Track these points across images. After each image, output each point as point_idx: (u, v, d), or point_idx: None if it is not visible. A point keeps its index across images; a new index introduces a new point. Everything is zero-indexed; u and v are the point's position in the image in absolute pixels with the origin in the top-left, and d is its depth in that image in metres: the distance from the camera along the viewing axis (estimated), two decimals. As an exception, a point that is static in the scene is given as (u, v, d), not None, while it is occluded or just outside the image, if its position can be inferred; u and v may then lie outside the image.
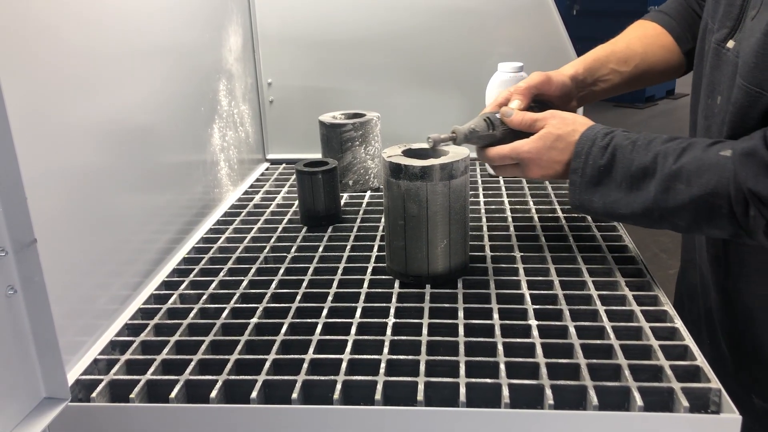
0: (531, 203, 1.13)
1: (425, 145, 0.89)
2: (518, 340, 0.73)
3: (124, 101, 0.87)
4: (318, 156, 1.22)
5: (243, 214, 1.14)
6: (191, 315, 0.81)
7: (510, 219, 1.06)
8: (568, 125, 0.83)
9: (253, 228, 1.07)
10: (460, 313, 0.79)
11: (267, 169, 1.40)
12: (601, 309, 0.78)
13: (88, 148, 0.78)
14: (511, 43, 1.33)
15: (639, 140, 0.77)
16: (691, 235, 0.94)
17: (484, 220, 1.06)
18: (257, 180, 1.33)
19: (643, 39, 1.00)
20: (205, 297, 0.86)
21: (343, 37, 1.37)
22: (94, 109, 0.80)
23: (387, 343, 0.73)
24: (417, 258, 0.85)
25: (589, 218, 1.05)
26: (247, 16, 1.33)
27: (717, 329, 0.89)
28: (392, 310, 0.80)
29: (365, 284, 0.87)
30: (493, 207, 1.12)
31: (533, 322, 0.76)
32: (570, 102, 0.97)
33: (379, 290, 0.85)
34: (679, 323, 0.76)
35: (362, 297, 0.83)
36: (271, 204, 1.18)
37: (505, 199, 1.15)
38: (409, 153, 0.87)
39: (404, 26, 1.35)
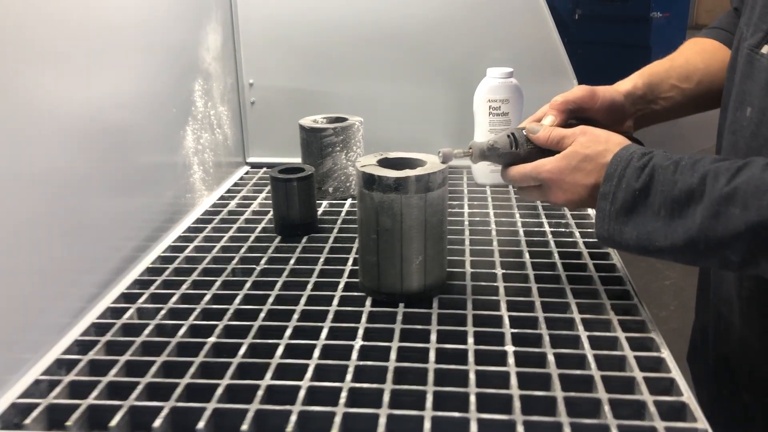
0: (517, 215, 1.08)
1: (403, 154, 0.84)
2: (492, 368, 0.68)
3: (89, 100, 0.82)
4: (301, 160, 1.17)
5: (216, 221, 1.09)
6: (146, 332, 0.76)
7: (494, 233, 1.01)
8: (600, 144, 0.73)
9: (224, 236, 1.02)
10: (433, 336, 0.73)
11: (246, 173, 1.35)
12: (584, 335, 0.73)
13: (46, 148, 0.73)
14: (502, 48, 1.28)
15: (683, 160, 0.66)
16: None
17: (467, 233, 1.01)
18: (235, 184, 1.28)
19: (702, 54, 0.88)
20: (164, 312, 0.80)
21: (329, 38, 1.32)
22: (57, 108, 0.75)
23: (351, 369, 0.68)
24: (390, 275, 0.80)
25: (576, 234, 1.00)
26: (228, 14, 1.28)
27: (739, 379, 0.81)
28: (360, 332, 0.75)
29: (335, 301, 0.82)
30: (478, 219, 1.06)
31: (510, 348, 0.71)
32: (623, 122, 0.85)
33: (350, 308, 0.80)
34: (666, 353, 0.70)
35: (330, 316, 0.78)
36: (246, 211, 1.13)
37: (491, 211, 1.10)
38: (384, 162, 0.82)
39: (392, 29, 1.30)
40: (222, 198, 1.20)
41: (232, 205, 1.16)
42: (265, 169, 1.35)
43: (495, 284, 0.85)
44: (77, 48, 0.80)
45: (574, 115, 0.82)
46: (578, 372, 0.67)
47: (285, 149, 1.35)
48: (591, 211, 1.01)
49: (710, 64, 0.86)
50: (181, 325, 0.77)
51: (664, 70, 0.87)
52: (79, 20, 0.80)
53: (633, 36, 4.69)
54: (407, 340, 0.74)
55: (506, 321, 0.76)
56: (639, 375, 0.66)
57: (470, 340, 0.73)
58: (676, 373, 0.67)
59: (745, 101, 0.72)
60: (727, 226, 0.61)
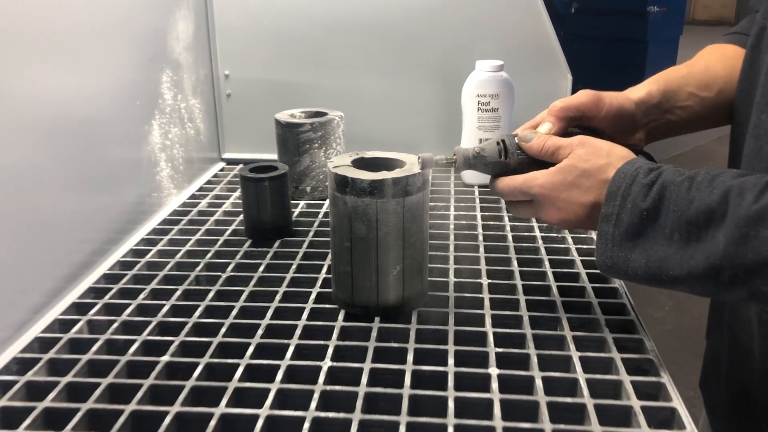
0: (506, 219, 1.01)
1: (381, 154, 0.77)
2: (474, 394, 0.61)
3: (44, 91, 0.75)
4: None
5: (183, 222, 1.02)
6: (94, 349, 0.69)
7: (481, 238, 0.94)
8: (600, 157, 0.65)
9: (190, 240, 0.95)
10: (410, 357, 0.67)
11: (221, 170, 1.28)
12: (575, 355, 0.67)
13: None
14: (492, 40, 1.21)
15: (699, 175, 0.58)
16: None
17: (451, 237, 0.94)
18: (208, 182, 1.20)
19: (723, 61, 0.78)
20: (116, 325, 0.73)
21: (310, 27, 1.24)
22: (8, 100, 0.68)
23: (317, 396, 0.61)
24: (365, 287, 0.73)
25: (569, 240, 0.93)
26: (201, 2, 1.20)
27: (759, 412, 0.73)
28: (330, 351, 0.68)
29: (305, 315, 0.75)
30: (464, 223, 0.99)
31: (494, 371, 0.64)
32: (633, 134, 0.76)
33: (320, 323, 0.73)
34: (666, 377, 0.64)
35: (298, 332, 0.71)
36: (216, 211, 1.05)
37: (478, 214, 1.03)
38: (360, 163, 0.75)
39: (377, 18, 1.23)
40: (192, 197, 1.13)
41: (203, 204, 1.09)
42: (240, 166, 1.27)
43: (480, 295, 0.78)
44: (30, 35, 0.72)
45: (576, 124, 0.72)
46: (569, 400, 0.61)
47: (263, 145, 1.27)
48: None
49: (732, 72, 0.76)
50: (133, 341, 0.70)
51: (681, 76, 0.78)
52: (33, 5, 0.73)
53: (629, 30, 4.62)
54: (382, 359, 0.67)
55: (491, 338, 0.70)
56: (636, 404, 0.60)
57: (450, 361, 0.66)
58: (677, 401, 0.61)
59: None
60: (758, 251, 0.52)
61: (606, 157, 0.65)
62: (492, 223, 0.99)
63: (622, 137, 0.73)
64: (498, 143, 0.71)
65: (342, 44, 1.24)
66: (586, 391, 0.61)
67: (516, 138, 0.71)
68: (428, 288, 0.78)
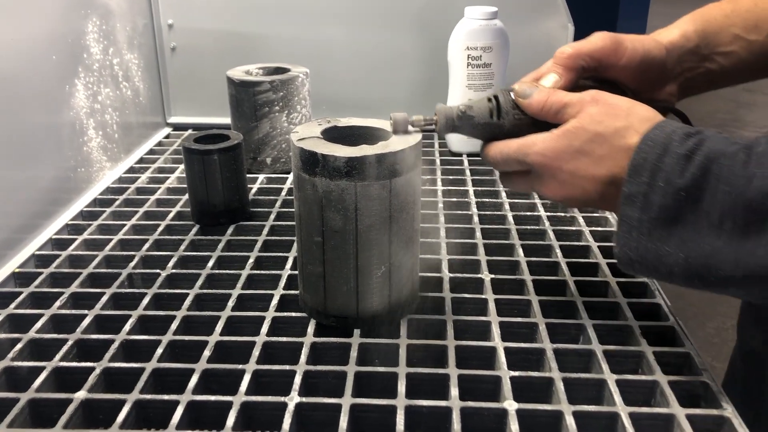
0: (503, 195, 0.86)
1: (359, 121, 0.60)
2: (488, 441, 0.47)
3: None
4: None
5: (117, 203, 0.84)
6: (-14, 382, 0.52)
7: (476, 219, 0.79)
8: (618, 118, 0.51)
9: (125, 226, 0.78)
10: (401, 387, 0.51)
11: (167, 137, 1.10)
12: (610, 379, 0.52)
13: None
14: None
15: (760, 145, 0.45)
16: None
17: (441, 219, 0.78)
18: (150, 152, 1.03)
19: None
20: (21, 345, 0.57)
21: (268, -32, 1.06)
22: None
23: (281, 449, 0.46)
24: (341, 291, 0.57)
25: (579, 219, 0.79)
26: (136, -66, 1.01)
27: None
28: (297, 379, 0.52)
29: (264, 327, 0.59)
30: (454, 200, 0.84)
31: (509, 406, 0.50)
32: (662, 87, 0.62)
33: (284, 339, 0.57)
34: (729, 409, 0.50)
35: (256, 352, 0.55)
36: (159, 188, 0.88)
37: (470, 189, 0.87)
38: (332, 133, 0.59)
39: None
40: (131, 171, 0.95)
41: (142, 180, 0.91)
42: (189, 132, 1.10)
43: (483, 296, 0.63)
44: None
45: (590, 75, 0.59)
46: (611, 446, 0.47)
47: (217, 107, 1.09)
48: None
49: None
50: (42, 369, 0.53)
51: (725, 15, 0.63)
52: None
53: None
54: (364, 392, 0.52)
55: (500, 355, 0.55)
56: (698, 448, 0.46)
57: (453, 391, 0.51)
58: (749, 443, 0.47)
59: None
60: None
61: (625, 117, 0.51)
62: (487, 200, 0.84)
63: (649, 92, 0.60)
64: (489, 100, 0.56)
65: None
66: (630, 430, 0.47)
67: (512, 93, 0.56)
68: (419, 289, 0.63)
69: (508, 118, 0.55)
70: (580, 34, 1.01)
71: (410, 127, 0.56)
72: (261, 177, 0.92)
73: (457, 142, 1.00)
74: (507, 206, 0.82)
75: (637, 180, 0.48)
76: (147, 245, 0.73)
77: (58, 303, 0.63)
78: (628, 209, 0.49)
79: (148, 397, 0.51)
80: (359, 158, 0.53)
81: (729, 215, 0.45)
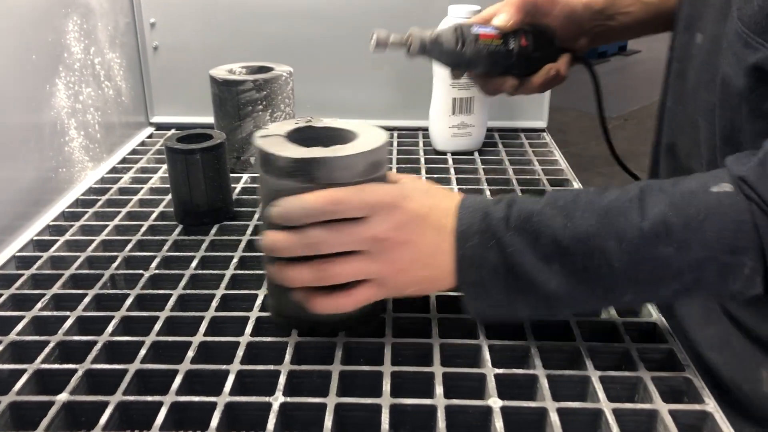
0: (488, 193, 0.86)
1: (338, 123, 0.60)
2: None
3: None
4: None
5: (99, 203, 0.84)
6: (-34, 385, 0.52)
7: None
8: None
9: (107, 226, 0.77)
10: (386, 386, 0.51)
11: (150, 137, 1.09)
12: (594, 376, 0.52)
13: None
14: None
15: (560, 200, 0.51)
16: None
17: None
18: (133, 152, 1.02)
19: None
20: (2, 347, 0.56)
21: (251, -33, 1.06)
22: None
23: (265, 450, 0.46)
24: (283, 293, 0.56)
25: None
26: (117, -68, 1.00)
27: None
28: (282, 379, 0.52)
29: (248, 327, 0.58)
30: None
31: (494, 403, 0.50)
32: (579, 38, 0.77)
33: (268, 339, 0.57)
34: (712, 405, 0.50)
35: (240, 353, 0.55)
36: (142, 188, 0.87)
37: (455, 188, 0.87)
38: (305, 133, 0.58)
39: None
40: (114, 171, 0.94)
41: (125, 180, 0.90)
42: (172, 131, 1.09)
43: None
44: None
45: (531, 20, 0.73)
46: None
47: (200, 106, 1.09)
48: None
49: None
50: (21, 372, 0.53)
51: None
52: None
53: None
54: (348, 391, 0.52)
55: (486, 355, 0.55)
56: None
57: (439, 390, 0.51)
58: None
59: (693, 25, 0.63)
60: (663, 270, 0.49)
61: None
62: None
63: (570, 41, 0.76)
64: (456, 30, 0.67)
65: (289, -13, 1.06)
66: (616, 432, 0.48)
67: (473, 28, 0.68)
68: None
69: (471, 47, 0.66)
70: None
71: (389, 44, 0.65)
72: (245, 176, 0.91)
73: (442, 141, 1.00)
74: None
75: (468, 244, 0.50)
76: (130, 246, 0.73)
77: (39, 305, 0.62)
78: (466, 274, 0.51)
79: (132, 398, 0.50)
80: (305, 160, 0.51)
81: (557, 260, 0.49)
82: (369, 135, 0.56)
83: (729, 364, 0.63)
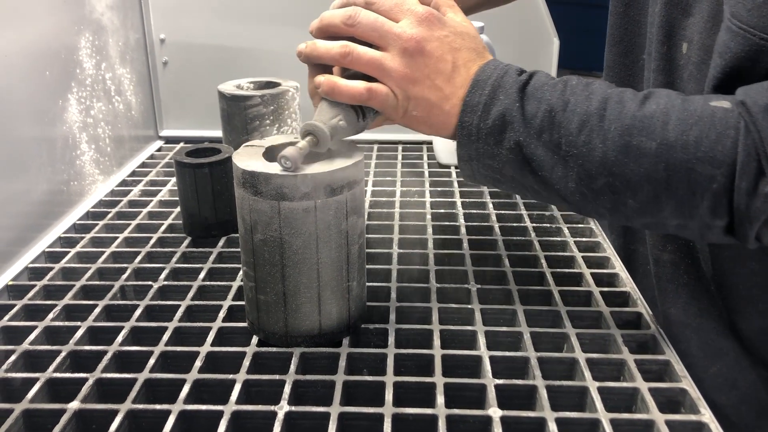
0: (491, 207, 0.87)
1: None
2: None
3: None
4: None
5: (109, 215, 0.85)
6: (-19, 393, 0.53)
7: (463, 231, 0.80)
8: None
9: (117, 238, 0.79)
10: (388, 396, 0.53)
11: (159, 150, 1.11)
12: (592, 386, 0.54)
13: None
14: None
15: (573, 80, 0.54)
16: None
17: (429, 231, 0.80)
18: (142, 165, 1.04)
19: None
20: (15, 357, 0.58)
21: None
22: None
23: (270, 457, 0.47)
24: (252, 301, 0.59)
25: (566, 232, 0.80)
26: (129, -49, 1.03)
27: None
28: (287, 388, 0.53)
29: (254, 338, 0.60)
30: (442, 212, 0.85)
31: (494, 413, 0.51)
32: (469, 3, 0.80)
33: (274, 349, 0.59)
34: (707, 415, 0.51)
35: (246, 362, 0.57)
36: (151, 201, 0.89)
37: (458, 201, 0.89)
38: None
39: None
40: (123, 183, 0.96)
41: (135, 193, 0.92)
42: (180, 145, 1.11)
43: (469, 306, 0.65)
44: None
45: None
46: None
47: (208, 120, 1.11)
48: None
49: None
50: (34, 381, 0.54)
51: None
52: None
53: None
54: (352, 400, 0.53)
55: (487, 365, 0.56)
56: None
57: (440, 399, 0.52)
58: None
59: (675, 35, 0.62)
60: (639, 161, 0.50)
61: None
62: (475, 211, 0.86)
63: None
64: (353, 107, 0.56)
65: (298, 2, 1.08)
66: (611, 438, 0.49)
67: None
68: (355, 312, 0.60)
69: (370, 116, 0.58)
70: (564, 48, 1.03)
71: (301, 158, 0.53)
72: (252, 189, 0.93)
73: (446, 154, 1.01)
74: (494, 217, 0.84)
75: (479, 92, 0.54)
76: (139, 258, 0.74)
77: (51, 315, 0.64)
78: (467, 117, 0.54)
79: (141, 407, 0.52)
80: (251, 173, 0.54)
81: (547, 130, 0.52)
82: (339, 158, 0.56)
83: (736, 407, 0.64)
